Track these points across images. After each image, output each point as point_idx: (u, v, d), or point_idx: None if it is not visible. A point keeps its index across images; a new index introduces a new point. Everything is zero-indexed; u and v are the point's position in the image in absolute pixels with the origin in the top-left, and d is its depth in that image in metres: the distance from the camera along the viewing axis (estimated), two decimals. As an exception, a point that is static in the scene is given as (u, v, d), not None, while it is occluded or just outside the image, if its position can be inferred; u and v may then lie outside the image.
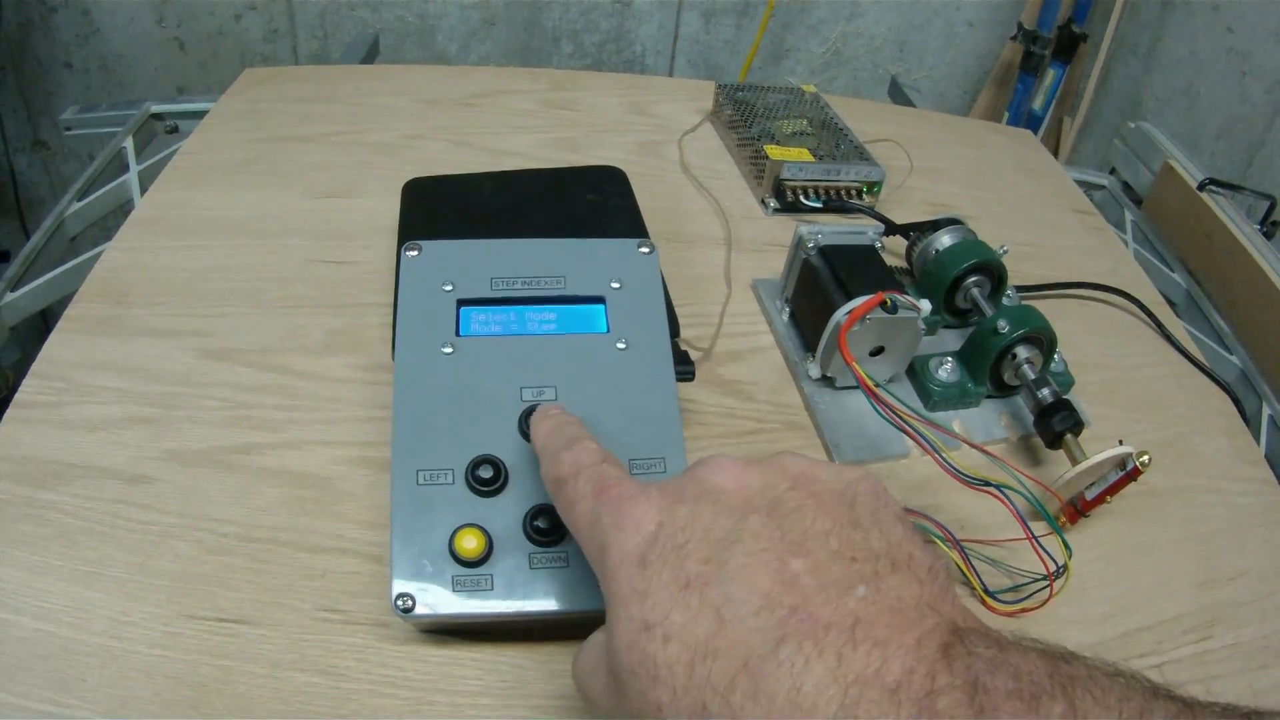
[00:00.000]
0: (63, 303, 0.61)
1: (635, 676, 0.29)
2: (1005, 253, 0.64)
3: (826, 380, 0.60)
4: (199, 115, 0.85)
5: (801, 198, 0.78)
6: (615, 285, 0.49)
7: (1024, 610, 0.48)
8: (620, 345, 0.47)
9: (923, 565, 0.31)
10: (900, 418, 0.48)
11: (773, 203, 0.78)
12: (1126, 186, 1.09)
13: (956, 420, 0.60)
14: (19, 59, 1.58)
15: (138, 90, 1.64)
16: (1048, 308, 0.61)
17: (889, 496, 0.34)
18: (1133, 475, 0.51)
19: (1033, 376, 0.58)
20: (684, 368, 0.50)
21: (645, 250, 0.51)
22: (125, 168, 0.87)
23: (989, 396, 0.62)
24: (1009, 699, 0.25)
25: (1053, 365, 0.62)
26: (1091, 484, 0.53)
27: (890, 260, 0.61)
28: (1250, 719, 0.26)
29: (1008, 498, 0.47)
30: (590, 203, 0.67)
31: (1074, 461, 0.53)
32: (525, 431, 0.44)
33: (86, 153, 1.62)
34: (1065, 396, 0.57)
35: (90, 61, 1.61)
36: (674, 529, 0.32)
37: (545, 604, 0.41)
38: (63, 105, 1.37)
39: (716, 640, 0.28)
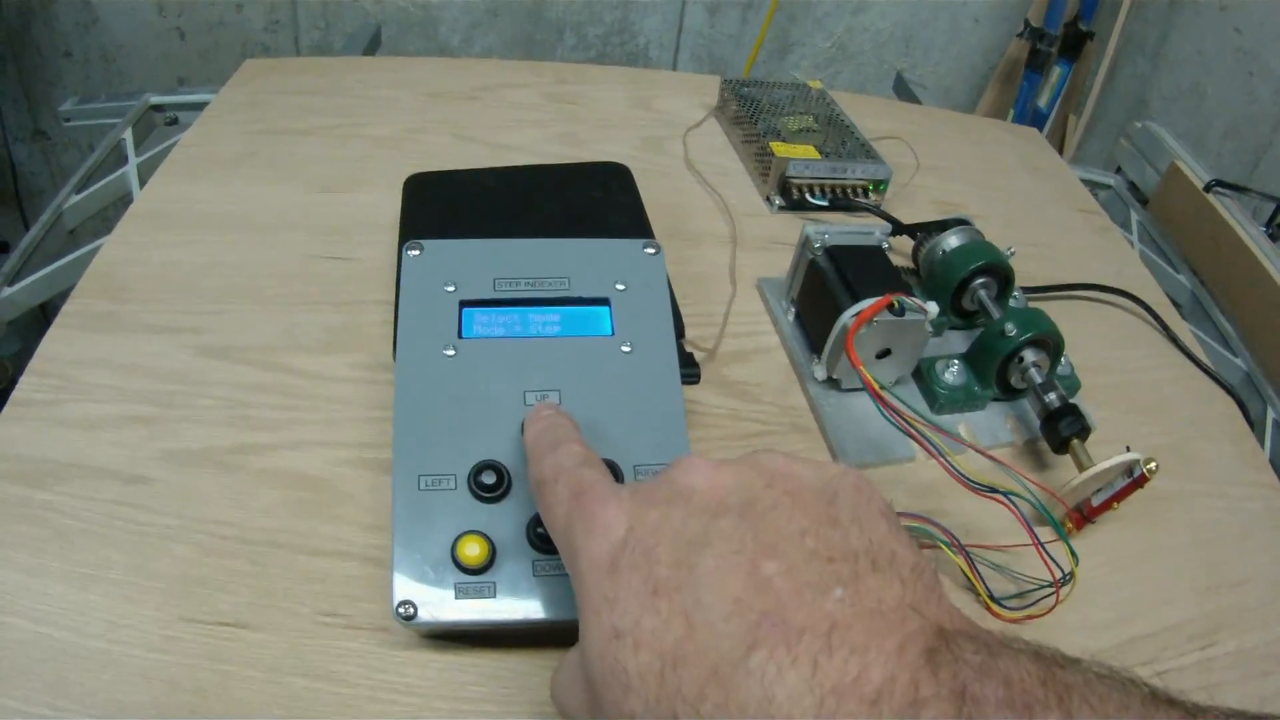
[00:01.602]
0: (62, 296, 0.60)
1: (607, 686, 0.29)
2: (1013, 254, 0.63)
3: (832, 382, 0.59)
4: (199, 107, 0.84)
5: (807, 195, 0.78)
6: (620, 287, 0.49)
7: (1030, 617, 0.48)
8: (625, 348, 0.47)
9: (906, 563, 0.29)
10: (906, 421, 0.47)
11: (778, 200, 0.78)
12: (1132, 186, 1.08)
13: (962, 424, 0.60)
14: (19, 49, 1.57)
15: (138, 80, 1.63)
16: (1054, 309, 0.61)
17: (874, 491, 0.33)
18: (1140, 482, 0.51)
19: (1040, 380, 0.57)
20: (689, 370, 0.50)
21: (651, 251, 0.50)
22: (124, 159, 0.86)
23: (995, 399, 0.61)
24: (999, 709, 0.24)
25: (1059, 368, 0.61)
26: (1098, 490, 0.53)
27: (897, 260, 0.60)
28: None
29: (1014, 504, 0.47)
30: (594, 199, 0.66)
31: (1080, 467, 0.53)
32: (528, 436, 0.43)
33: (86, 143, 1.61)
34: (1072, 400, 0.56)
35: (90, 51, 1.60)
36: (644, 533, 0.31)
37: (548, 611, 0.40)
38: (63, 95, 1.37)
39: (686, 647, 0.27)
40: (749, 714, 0.25)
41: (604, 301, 0.48)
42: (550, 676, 0.36)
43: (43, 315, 0.57)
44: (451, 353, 0.45)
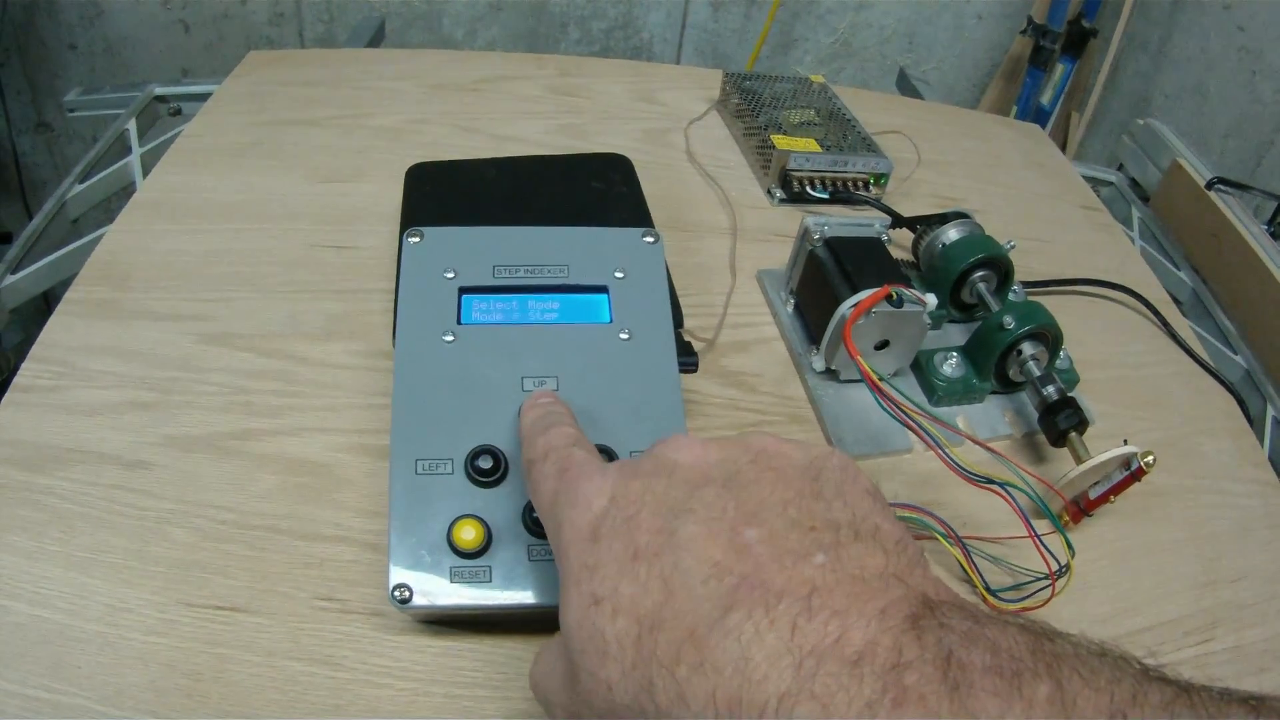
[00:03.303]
0: (65, 285, 0.60)
1: (585, 655, 0.29)
2: (1012, 248, 0.63)
3: (830, 373, 0.59)
4: (203, 98, 0.84)
5: (808, 188, 0.78)
6: (619, 275, 0.49)
7: (1026, 609, 0.48)
8: (623, 336, 0.47)
9: (890, 536, 0.29)
10: (904, 412, 0.47)
11: (779, 193, 0.78)
12: (1134, 183, 1.08)
13: (960, 416, 0.60)
14: (24, 41, 1.58)
15: (142, 73, 1.63)
16: (1054, 304, 0.61)
17: (859, 472, 0.32)
18: (1137, 475, 0.51)
19: (1038, 373, 0.57)
20: (687, 359, 0.50)
21: (650, 240, 0.50)
22: (128, 150, 0.86)
23: (993, 393, 0.61)
24: (986, 675, 0.23)
25: (1058, 362, 0.61)
26: (1095, 483, 0.53)
27: (896, 253, 0.60)
28: (1249, 703, 0.24)
29: (1011, 495, 0.47)
30: (595, 190, 0.67)
31: (1078, 460, 0.53)
32: (525, 422, 0.43)
33: (90, 134, 1.62)
34: (1070, 394, 0.56)
35: (95, 44, 1.60)
36: (626, 502, 0.31)
37: (543, 596, 0.40)
38: (67, 87, 1.37)
39: (663, 611, 0.27)
40: (725, 675, 0.25)
41: (603, 289, 0.48)
42: (529, 672, 0.35)
43: (46, 305, 0.57)
44: (451, 339, 0.46)
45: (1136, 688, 0.24)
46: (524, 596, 0.40)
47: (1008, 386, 0.61)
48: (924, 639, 0.24)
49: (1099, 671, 0.24)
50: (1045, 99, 1.69)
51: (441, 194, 0.65)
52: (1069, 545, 0.47)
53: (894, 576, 0.27)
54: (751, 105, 0.84)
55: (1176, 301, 0.82)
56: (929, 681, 0.23)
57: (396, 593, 0.40)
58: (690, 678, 0.26)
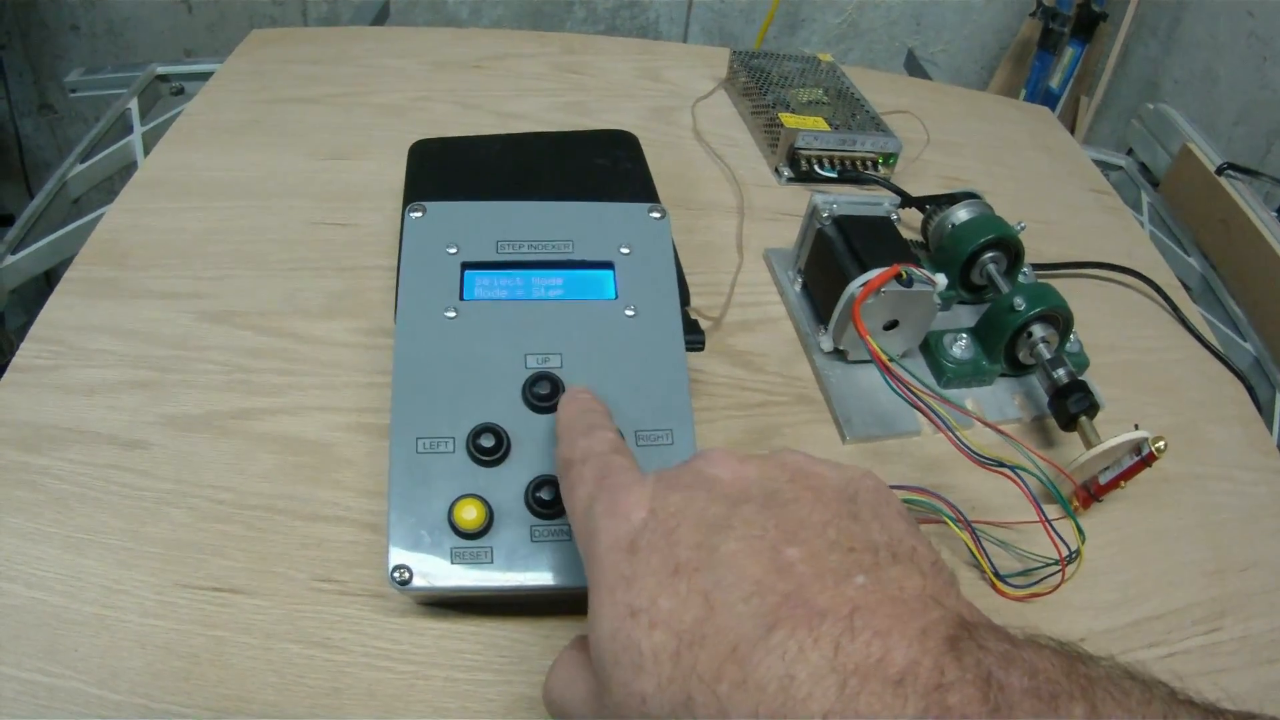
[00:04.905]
0: (66, 265, 0.60)
1: (619, 666, 0.28)
2: (1022, 229, 0.63)
3: (839, 353, 0.59)
4: (205, 77, 0.83)
5: (816, 167, 0.77)
6: (625, 251, 0.48)
7: (1035, 595, 0.47)
8: (629, 312, 0.46)
9: (926, 559, 0.30)
10: (913, 394, 0.47)
11: (786, 171, 0.77)
12: (1144, 168, 1.07)
13: (970, 398, 0.59)
14: (26, 22, 1.57)
15: (144, 53, 1.63)
16: (1063, 286, 0.60)
17: (892, 494, 0.33)
18: (1148, 461, 0.50)
19: (1048, 356, 0.57)
20: (694, 337, 0.49)
21: (656, 215, 0.49)
22: (130, 129, 0.85)
23: (1003, 375, 0.60)
24: (1026, 697, 0.24)
25: (1068, 345, 0.61)
26: (1106, 468, 0.52)
27: (905, 234, 0.59)
28: None
29: (1021, 479, 0.46)
30: (600, 167, 0.66)
31: (1089, 444, 0.52)
32: (529, 400, 0.43)
33: (92, 115, 1.60)
34: (1080, 378, 0.56)
35: (97, 24, 1.60)
36: (665, 515, 0.31)
37: (546, 578, 0.40)
38: (69, 69, 1.36)
39: (704, 627, 0.27)
40: (768, 692, 0.25)
41: (608, 265, 0.47)
42: (543, 688, 0.35)
43: (48, 286, 0.57)
44: (453, 315, 0.45)
45: (1166, 709, 0.24)
46: (526, 578, 0.40)
47: (1017, 369, 0.60)
48: (964, 660, 0.25)
49: (1130, 693, 0.24)
50: (1054, 82, 1.68)
51: (445, 171, 0.64)
52: (1080, 531, 0.46)
53: (932, 598, 0.27)
54: (759, 83, 0.83)
55: (1186, 287, 0.81)
56: (971, 702, 0.23)
57: (396, 574, 0.39)
58: (733, 694, 0.25)
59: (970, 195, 0.66)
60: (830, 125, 0.77)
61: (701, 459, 0.34)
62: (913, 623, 0.26)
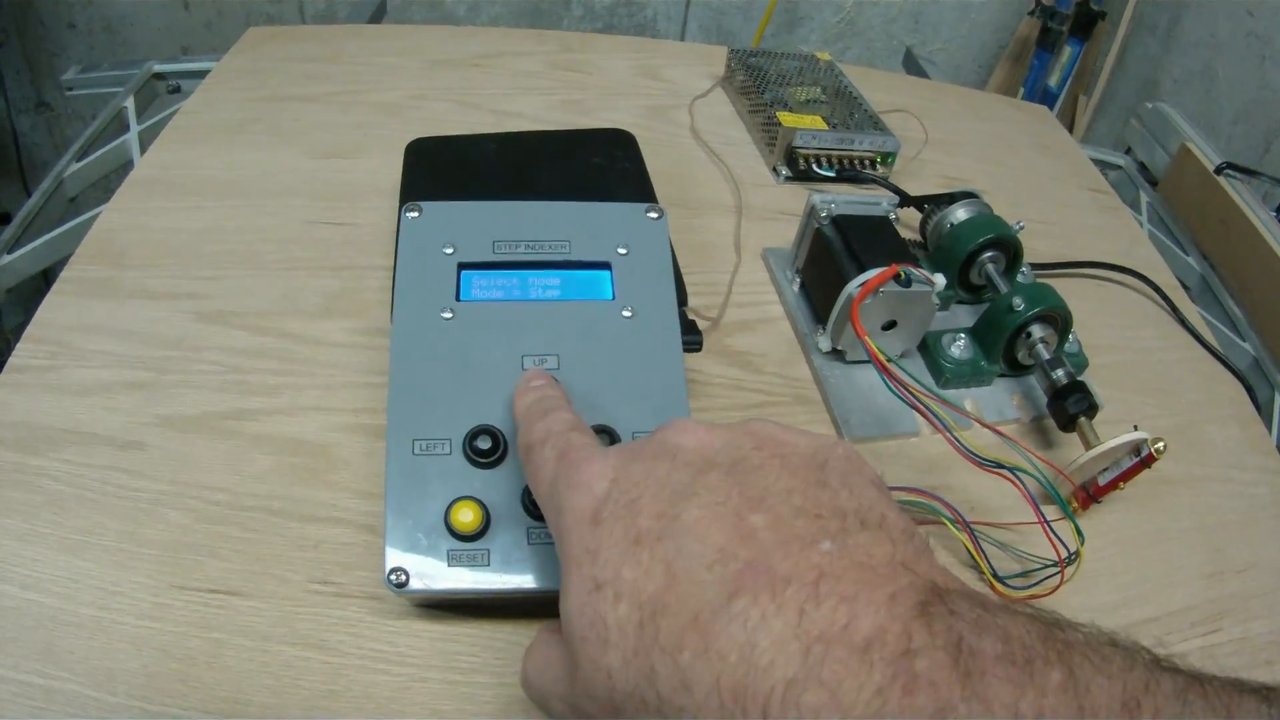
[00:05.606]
0: (63, 264, 0.59)
1: (586, 642, 0.28)
2: (1021, 229, 0.62)
3: (837, 354, 0.59)
4: (202, 75, 0.83)
5: (814, 166, 0.77)
6: (622, 251, 0.48)
7: (1034, 596, 0.47)
8: (626, 313, 0.46)
9: (896, 526, 0.29)
10: (912, 394, 0.47)
11: (784, 170, 0.77)
12: (1142, 167, 1.07)
13: (968, 399, 0.59)
14: (22, 20, 1.56)
15: (142, 51, 1.62)
16: (1062, 286, 0.60)
17: (864, 462, 0.32)
18: (1147, 462, 0.50)
19: (1047, 356, 0.56)
20: (691, 338, 0.49)
21: (654, 215, 0.49)
22: (126, 127, 0.85)
23: (1002, 375, 0.60)
24: (998, 663, 0.23)
25: (1067, 346, 0.60)
26: (1105, 469, 0.52)
27: (904, 233, 0.59)
28: (1260, 693, 0.24)
29: (1020, 480, 0.46)
30: (598, 166, 0.65)
31: (1088, 445, 0.52)
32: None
33: (89, 113, 1.60)
34: (1079, 378, 0.55)
35: (94, 22, 1.59)
36: (628, 485, 0.30)
37: (543, 581, 0.40)
38: (66, 66, 1.36)
39: (666, 596, 0.26)
40: (729, 661, 0.24)
41: (605, 265, 0.47)
42: (521, 673, 0.35)
43: (45, 285, 0.57)
44: (449, 315, 0.45)
45: (1149, 676, 0.24)
46: (523, 580, 0.40)
47: (1016, 370, 0.60)
48: (934, 626, 0.24)
49: (1111, 659, 0.24)
50: (1052, 81, 1.68)
51: (441, 169, 0.64)
52: (1078, 532, 0.46)
53: (901, 564, 0.27)
54: (757, 82, 0.83)
55: (1185, 287, 0.81)
56: (940, 668, 0.23)
57: (393, 576, 0.39)
58: (694, 664, 0.25)
59: (969, 195, 0.66)
60: (828, 124, 0.76)
61: (667, 429, 0.33)
62: (881, 589, 0.25)
